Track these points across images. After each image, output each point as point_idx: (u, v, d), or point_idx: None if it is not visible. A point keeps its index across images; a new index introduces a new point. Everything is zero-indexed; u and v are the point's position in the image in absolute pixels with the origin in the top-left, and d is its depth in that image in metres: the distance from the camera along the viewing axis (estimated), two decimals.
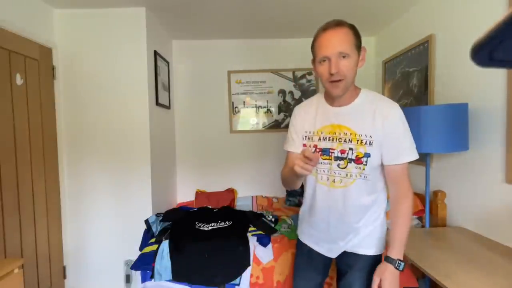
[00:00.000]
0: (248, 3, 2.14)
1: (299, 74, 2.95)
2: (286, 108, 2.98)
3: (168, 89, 2.70)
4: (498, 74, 1.48)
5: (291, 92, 2.97)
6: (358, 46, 1.01)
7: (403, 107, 2.32)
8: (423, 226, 1.93)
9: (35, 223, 1.95)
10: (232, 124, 2.98)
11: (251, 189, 2.98)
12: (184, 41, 2.91)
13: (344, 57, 0.96)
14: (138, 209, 2.21)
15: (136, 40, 2.17)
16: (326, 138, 1.08)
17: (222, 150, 2.98)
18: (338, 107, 1.08)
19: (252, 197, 2.88)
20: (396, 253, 1.02)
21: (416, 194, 2.05)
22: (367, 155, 1.02)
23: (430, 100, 2.00)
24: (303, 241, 1.26)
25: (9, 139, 1.76)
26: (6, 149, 1.74)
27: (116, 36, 2.17)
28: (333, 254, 1.17)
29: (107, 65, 2.17)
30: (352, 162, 1.04)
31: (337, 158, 1.06)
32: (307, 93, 2.97)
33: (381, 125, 1.00)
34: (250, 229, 2.00)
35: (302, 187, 1.23)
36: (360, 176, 1.04)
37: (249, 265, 1.76)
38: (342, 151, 1.05)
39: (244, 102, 2.97)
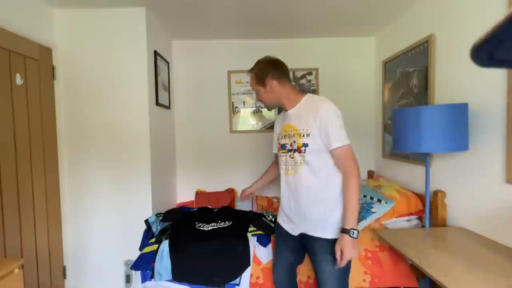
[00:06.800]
0: (248, 3, 2.14)
1: (299, 74, 2.95)
2: None
3: (168, 89, 2.70)
4: (498, 74, 1.48)
5: None
6: (262, 82, 1.39)
7: (403, 107, 2.34)
8: (423, 226, 1.93)
9: (35, 223, 1.95)
10: (232, 124, 2.98)
11: None
12: (184, 41, 2.91)
13: (256, 92, 1.45)
14: (138, 209, 2.21)
15: (136, 40, 2.17)
16: (283, 136, 1.42)
17: (222, 150, 2.98)
18: (288, 111, 1.41)
19: (252, 197, 2.87)
20: (349, 224, 1.21)
21: (416, 194, 2.05)
22: (305, 145, 1.30)
23: (430, 100, 2.00)
24: (279, 223, 1.50)
25: (9, 139, 1.76)
26: (6, 149, 1.74)
27: (116, 36, 2.17)
28: (295, 232, 1.41)
29: (107, 65, 2.17)
30: (296, 152, 1.33)
31: (289, 150, 1.37)
32: None
33: (315, 119, 1.26)
34: (250, 229, 2.00)
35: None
36: (304, 162, 1.31)
37: (249, 265, 1.76)
38: (291, 144, 1.36)
39: (244, 102, 2.97)
